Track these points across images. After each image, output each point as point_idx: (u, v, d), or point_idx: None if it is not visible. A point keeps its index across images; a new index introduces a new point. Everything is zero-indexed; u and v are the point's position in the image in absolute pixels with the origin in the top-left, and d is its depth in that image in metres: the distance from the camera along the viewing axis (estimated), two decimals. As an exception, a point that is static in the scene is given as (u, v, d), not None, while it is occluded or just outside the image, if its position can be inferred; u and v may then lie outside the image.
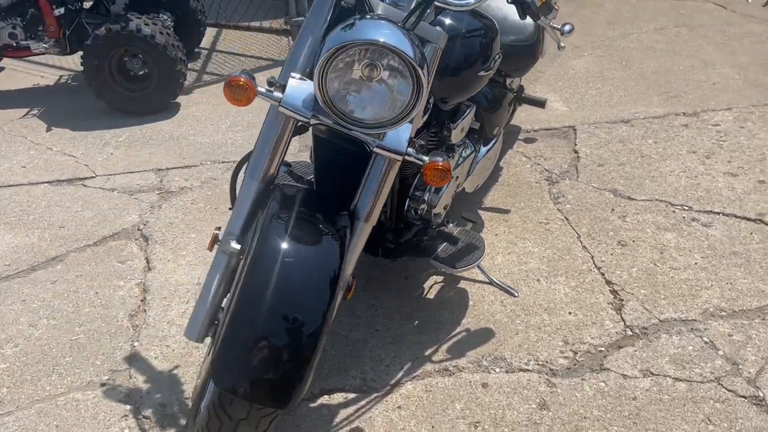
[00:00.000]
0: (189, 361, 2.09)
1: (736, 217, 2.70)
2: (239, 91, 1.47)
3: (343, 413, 1.91)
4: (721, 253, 2.49)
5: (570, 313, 2.24)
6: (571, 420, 1.86)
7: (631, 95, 3.84)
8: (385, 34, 1.41)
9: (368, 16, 1.49)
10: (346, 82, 1.46)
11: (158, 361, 2.11)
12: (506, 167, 3.12)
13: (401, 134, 1.55)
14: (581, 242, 2.59)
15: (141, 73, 3.81)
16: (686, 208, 2.78)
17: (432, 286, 2.40)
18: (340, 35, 1.42)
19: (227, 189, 1.90)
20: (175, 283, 2.46)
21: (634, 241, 2.58)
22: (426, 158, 1.54)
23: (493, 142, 2.49)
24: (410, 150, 1.55)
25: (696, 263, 2.45)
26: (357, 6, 1.58)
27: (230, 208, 1.77)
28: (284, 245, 1.41)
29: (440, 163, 1.53)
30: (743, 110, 3.58)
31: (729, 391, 1.93)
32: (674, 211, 2.75)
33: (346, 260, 1.50)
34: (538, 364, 2.05)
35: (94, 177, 3.24)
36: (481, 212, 2.79)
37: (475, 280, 2.39)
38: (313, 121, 1.54)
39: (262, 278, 1.36)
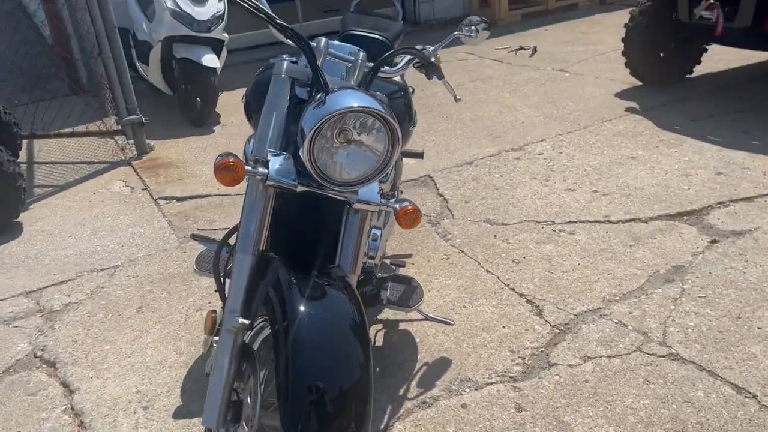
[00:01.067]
0: (168, 469, 1.97)
1: (589, 222, 3.23)
2: (229, 173, 1.53)
3: (350, 469, 1.93)
4: (592, 253, 2.97)
5: (504, 326, 2.51)
6: (547, 413, 2.09)
7: (463, 141, 4.37)
8: (359, 99, 1.58)
9: (331, 89, 1.65)
10: (330, 151, 1.59)
11: (132, 478, 1.95)
12: (390, 219, 3.37)
13: (372, 187, 1.71)
14: (483, 267, 2.90)
15: (-32, 195, 3.46)
16: (550, 222, 3.25)
17: (376, 333, 2.52)
18: (318, 112, 1.54)
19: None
20: (111, 398, 2.27)
21: (524, 258, 2.96)
22: (397, 206, 1.72)
23: (396, 194, 2.73)
24: (382, 200, 1.71)
25: (579, 264, 2.88)
26: (314, 82, 1.73)
27: (216, 291, 1.77)
28: (313, 307, 1.48)
29: (410, 207, 1.71)
30: (554, 139, 4.27)
31: (650, 355, 2.31)
32: (543, 227, 3.21)
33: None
34: (499, 376, 2.27)
35: (-49, 315, 2.86)
36: (386, 261, 2.98)
37: (412, 320, 2.57)
38: (299, 188, 1.64)
39: (307, 342, 1.42)
